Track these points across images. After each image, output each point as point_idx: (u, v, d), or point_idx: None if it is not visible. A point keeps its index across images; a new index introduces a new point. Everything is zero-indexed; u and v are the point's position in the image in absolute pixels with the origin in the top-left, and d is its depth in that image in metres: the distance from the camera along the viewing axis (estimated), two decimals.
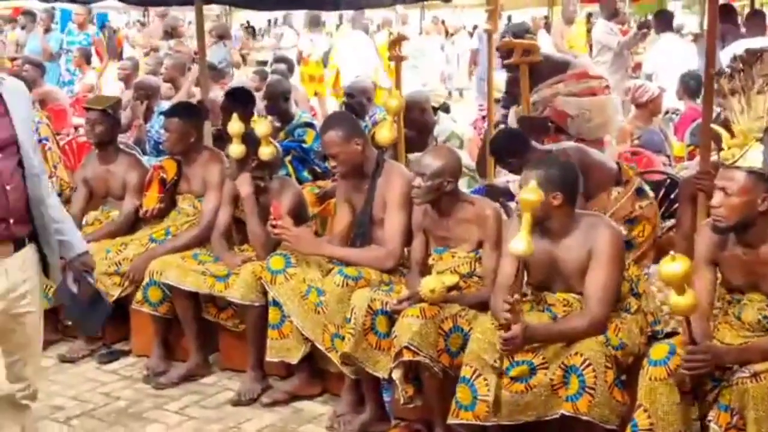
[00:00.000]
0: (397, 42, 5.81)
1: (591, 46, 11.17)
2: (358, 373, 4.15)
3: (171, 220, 5.22)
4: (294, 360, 4.42)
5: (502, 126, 6.36)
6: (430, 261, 4.18)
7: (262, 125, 4.78)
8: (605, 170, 4.64)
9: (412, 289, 3.99)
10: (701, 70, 5.46)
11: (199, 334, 4.82)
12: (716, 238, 3.39)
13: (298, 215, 4.71)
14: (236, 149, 4.72)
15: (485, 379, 3.55)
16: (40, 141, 5.52)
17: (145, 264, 4.83)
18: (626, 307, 3.77)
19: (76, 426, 4.33)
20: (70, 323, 5.05)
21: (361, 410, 4.22)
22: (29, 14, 13.08)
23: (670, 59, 8.85)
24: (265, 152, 4.70)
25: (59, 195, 4.55)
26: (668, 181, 5.30)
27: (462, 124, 6.78)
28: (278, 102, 6.29)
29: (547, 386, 3.52)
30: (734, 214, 3.24)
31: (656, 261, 4.53)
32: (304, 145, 6.06)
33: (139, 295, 4.83)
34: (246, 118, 4.94)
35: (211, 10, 16.84)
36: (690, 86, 7.24)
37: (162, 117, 5.52)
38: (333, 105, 10.34)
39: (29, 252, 3.17)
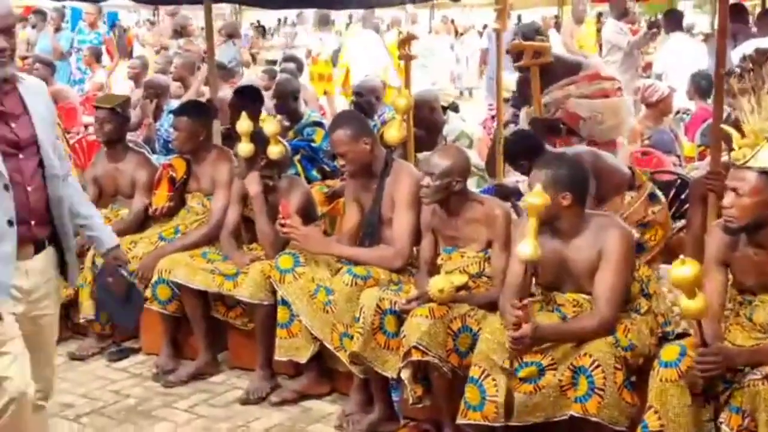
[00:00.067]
0: (406, 41, 5.79)
1: (601, 46, 11.13)
2: (366, 372, 4.14)
3: (180, 218, 5.23)
4: (303, 359, 4.42)
5: (511, 126, 6.35)
6: (439, 261, 4.17)
7: (270, 124, 4.78)
8: (619, 175, 4.64)
9: (420, 288, 3.98)
10: (712, 69, 5.43)
11: (208, 333, 4.83)
12: (727, 239, 3.37)
13: (307, 214, 4.71)
14: (245, 148, 4.72)
15: (494, 380, 3.54)
16: None
17: (155, 262, 4.83)
18: (636, 308, 3.75)
19: (86, 424, 4.33)
20: (82, 321, 5.08)
21: (369, 410, 4.21)
22: (40, 13, 13.12)
23: (680, 59, 8.83)
24: (274, 151, 4.70)
25: None
26: (679, 181, 5.29)
27: (471, 124, 6.77)
28: (287, 101, 6.29)
29: (556, 387, 3.50)
30: (746, 214, 3.22)
31: (667, 262, 4.53)
32: (313, 144, 6.07)
33: (148, 294, 4.83)
34: (254, 116, 4.94)
35: (222, 9, 16.87)
36: (701, 86, 7.21)
37: (171, 116, 5.53)
38: (342, 104, 10.33)
39: (49, 254, 3.17)
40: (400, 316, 3.96)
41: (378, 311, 4.00)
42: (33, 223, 3.06)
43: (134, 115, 7.09)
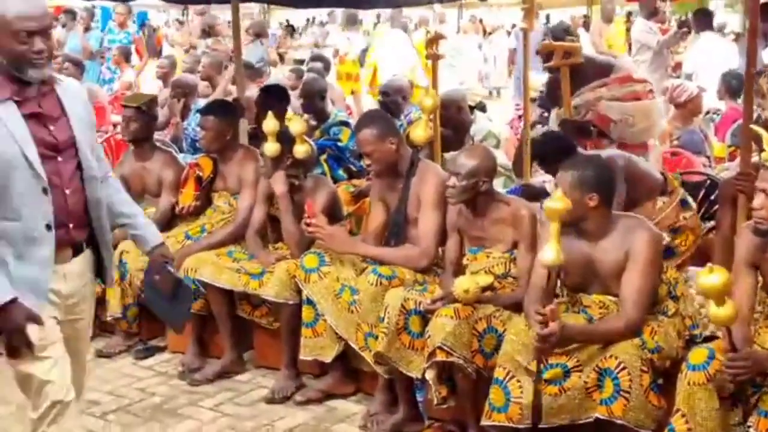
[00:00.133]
0: (434, 40, 5.78)
1: (630, 45, 11.05)
2: (391, 372, 4.13)
3: (207, 217, 5.25)
4: (327, 359, 4.42)
5: (538, 126, 6.32)
6: (465, 261, 4.15)
7: (297, 123, 4.78)
8: (652, 180, 4.62)
9: (446, 289, 3.97)
10: (742, 69, 5.37)
11: (233, 332, 4.84)
12: (757, 241, 3.32)
13: (332, 214, 4.71)
14: (271, 147, 4.73)
15: (518, 381, 3.53)
16: None
17: (181, 261, 4.83)
18: (664, 310, 3.72)
19: (112, 421, 4.36)
20: (109, 319, 5.11)
21: (394, 410, 4.20)
22: (69, 13, 13.22)
23: (710, 58, 8.74)
24: (300, 150, 4.70)
25: None
26: (708, 182, 5.24)
27: (499, 124, 6.74)
28: (314, 100, 6.29)
29: (581, 389, 3.48)
30: None
31: (696, 264, 4.49)
32: (339, 144, 6.06)
33: None
34: (280, 115, 4.95)
35: (251, 9, 16.93)
36: (731, 86, 7.13)
37: (198, 115, 5.55)
38: (369, 103, 10.33)
39: (86, 257, 3.16)
40: (425, 317, 3.94)
41: (403, 311, 3.99)
42: (71, 226, 3.04)
43: (162, 114, 7.13)
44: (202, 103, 6.83)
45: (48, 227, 2.95)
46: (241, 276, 4.69)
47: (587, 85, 5.67)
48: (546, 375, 3.49)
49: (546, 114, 6.72)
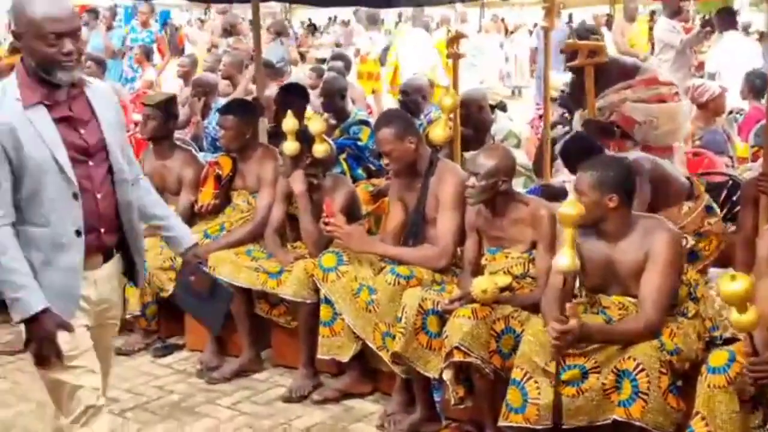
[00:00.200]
0: (455, 40, 5.76)
1: (653, 45, 10.98)
2: (408, 372, 4.13)
3: (226, 216, 5.26)
4: (345, 358, 4.42)
5: (559, 127, 6.28)
6: (483, 261, 4.13)
7: (316, 123, 4.77)
8: (678, 184, 4.60)
9: (464, 289, 3.95)
10: (767, 69, 5.33)
11: (251, 331, 4.85)
12: None
13: (351, 213, 4.70)
14: (290, 146, 4.72)
15: (536, 382, 3.51)
16: None
17: None
18: (684, 312, 3.70)
19: (130, 418, 4.37)
20: (128, 317, 5.13)
21: (411, 410, 4.19)
22: (92, 12, 13.31)
23: (733, 58, 8.66)
24: (319, 150, 4.70)
25: None
26: (730, 182, 5.19)
27: (519, 123, 6.71)
28: (334, 99, 6.29)
29: (599, 391, 3.46)
30: None
31: (717, 264, 4.45)
32: (359, 143, 6.05)
33: None
34: (299, 114, 4.94)
35: (273, 8, 16.98)
36: (755, 85, 7.07)
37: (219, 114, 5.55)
38: (389, 103, 10.32)
39: (116, 262, 3.12)
40: (443, 317, 3.93)
41: (420, 311, 3.97)
42: (102, 231, 2.99)
43: (183, 113, 7.15)
44: (222, 101, 6.85)
45: (77, 233, 2.90)
46: (259, 275, 4.70)
47: (612, 87, 5.61)
48: (564, 376, 3.47)
49: (566, 114, 6.68)
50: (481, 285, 3.79)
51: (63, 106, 2.91)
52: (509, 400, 3.57)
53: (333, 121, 6.20)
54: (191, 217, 5.34)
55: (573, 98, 6.41)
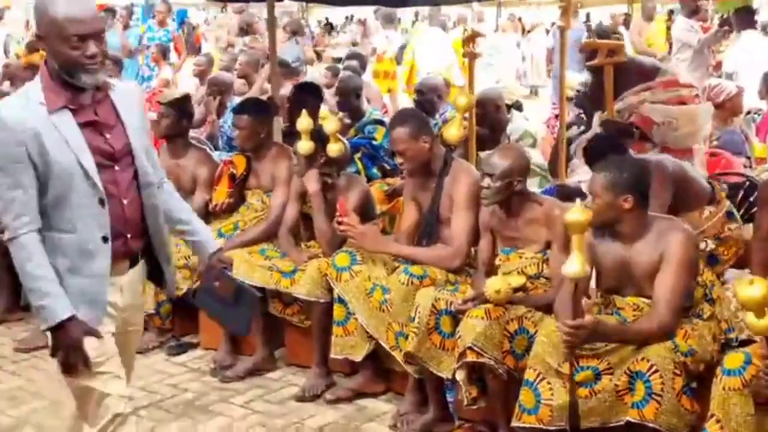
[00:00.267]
0: (471, 39, 5.73)
1: (671, 44, 10.91)
2: (421, 372, 4.12)
3: (240, 214, 5.27)
4: (358, 357, 4.41)
5: (574, 128, 6.24)
6: (497, 261, 4.12)
7: (331, 122, 4.77)
8: (700, 188, 4.57)
9: (477, 289, 3.94)
10: None
11: (265, 330, 4.85)
12: None
13: (365, 212, 4.70)
14: (305, 146, 4.72)
15: (549, 383, 3.50)
16: None
17: None
18: (699, 313, 3.67)
19: (144, 416, 4.38)
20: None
21: (424, 410, 4.18)
22: (109, 11, 13.35)
23: (752, 57, 8.59)
24: (334, 149, 4.69)
25: None
26: (747, 183, 5.15)
27: (535, 123, 6.69)
28: (350, 98, 6.28)
29: (612, 392, 3.44)
30: None
31: (733, 266, 4.42)
32: (373, 142, 6.05)
33: None
34: (313, 113, 4.94)
35: (290, 7, 16.98)
36: None
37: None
38: (405, 102, 10.31)
39: (141, 267, 3.09)
40: (456, 317, 3.92)
41: (434, 311, 3.97)
42: (129, 236, 2.96)
43: (198, 112, 7.16)
44: (238, 100, 6.86)
45: (104, 239, 2.87)
46: (273, 274, 4.70)
47: (631, 89, 5.57)
48: (577, 377, 3.45)
49: (582, 114, 6.64)
50: (494, 285, 3.78)
51: (88, 110, 2.87)
52: (522, 401, 3.56)
53: (348, 121, 6.19)
54: (206, 215, 5.34)
55: (592, 99, 6.36)
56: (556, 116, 6.69)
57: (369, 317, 4.29)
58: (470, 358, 3.72)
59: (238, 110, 5.25)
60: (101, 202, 2.86)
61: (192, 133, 5.95)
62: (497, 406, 3.85)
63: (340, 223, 4.37)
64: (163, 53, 11.11)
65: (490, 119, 5.79)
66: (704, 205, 4.52)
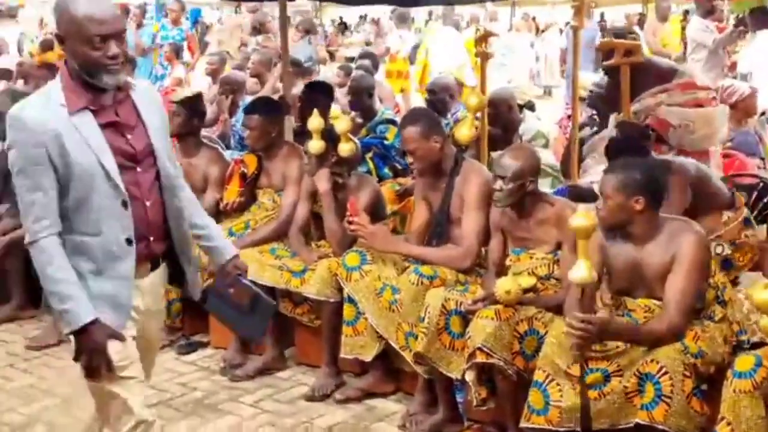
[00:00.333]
0: (483, 38, 5.71)
1: (686, 44, 10.86)
2: (431, 372, 4.11)
3: (251, 213, 5.27)
4: (368, 357, 4.41)
5: (587, 129, 6.21)
6: (508, 262, 4.11)
7: (342, 122, 4.77)
8: (720, 193, 4.56)
9: (487, 289, 3.93)
10: None
11: (275, 329, 4.84)
12: None
13: (375, 212, 4.69)
14: (316, 145, 4.72)
15: (558, 385, 3.49)
16: None
17: None
18: (710, 315, 3.65)
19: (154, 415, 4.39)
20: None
21: (434, 410, 4.17)
22: (122, 10, 13.39)
23: (767, 58, 8.53)
24: (345, 149, 4.69)
25: None
26: (761, 185, 5.12)
27: (547, 123, 6.66)
28: (362, 98, 6.27)
29: (621, 393, 3.42)
30: None
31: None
32: (385, 142, 6.03)
33: None
34: (324, 112, 4.94)
35: (304, 7, 17.01)
36: None
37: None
38: (418, 102, 10.29)
39: (162, 271, 3.05)
40: (466, 317, 3.91)
41: (443, 311, 3.96)
42: (152, 239, 2.92)
43: (211, 111, 7.18)
44: (250, 99, 6.86)
45: (128, 242, 2.83)
46: (283, 273, 4.70)
47: (648, 91, 5.54)
48: (586, 379, 3.44)
49: (595, 115, 6.61)
50: (504, 286, 3.77)
51: (109, 111, 2.83)
52: (531, 402, 3.55)
53: (360, 120, 6.18)
54: (216, 214, 5.35)
55: (608, 99, 6.33)
56: (569, 116, 6.66)
57: (379, 317, 4.28)
58: (480, 358, 3.71)
59: (249, 110, 5.25)
60: (124, 204, 2.82)
61: (204, 132, 5.95)
62: (506, 407, 3.84)
63: (350, 223, 4.37)
64: (177, 52, 11.14)
65: (502, 119, 5.78)
66: (723, 209, 4.50)
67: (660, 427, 3.32)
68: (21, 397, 4.63)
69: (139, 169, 2.87)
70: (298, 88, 7.02)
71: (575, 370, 3.44)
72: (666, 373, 3.32)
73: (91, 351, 2.77)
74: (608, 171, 3.63)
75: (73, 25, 2.74)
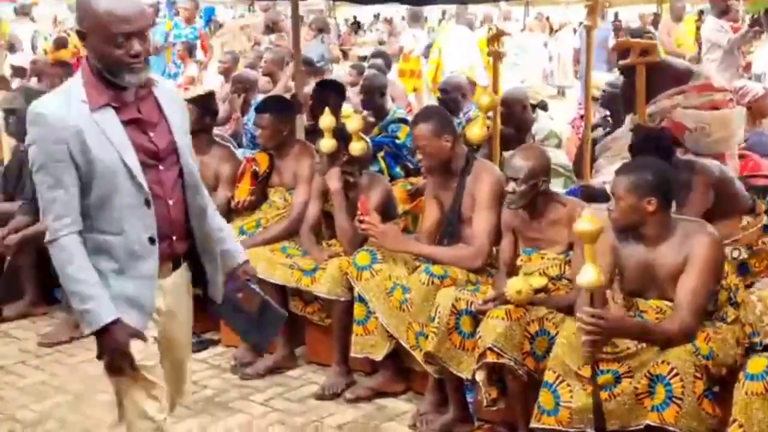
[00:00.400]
0: (495, 38, 5.69)
1: (700, 44, 10.80)
2: (441, 372, 4.10)
3: (262, 212, 5.27)
4: (378, 357, 4.40)
5: (599, 129, 6.18)
6: (519, 262, 4.10)
7: (353, 120, 4.76)
8: (742, 197, 4.54)
9: (498, 289, 3.92)
10: None
11: (285, 328, 4.82)
12: None
13: (386, 211, 4.69)
14: (327, 144, 4.72)
15: (568, 385, 3.48)
16: None
17: None
18: (723, 317, 3.63)
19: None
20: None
21: (444, 410, 4.17)
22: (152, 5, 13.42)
23: None
24: (356, 147, 4.69)
25: None
26: None
27: (560, 123, 6.64)
28: (374, 97, 6.26)
29: (632, 395, 3.40)
30: None
31: None
32: (397, 141, 6.03)
33: None
34: (336, 110, 4.93)
35: (317, 6, 17.01)
36: None
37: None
38: (430, 101, 10.28)
39: (184, 272, 2.99)
40: (476, 317, 3.90)
41: (453, 311, 3.95)
42: (174, 238, 2.86)
43: (223, 109, 7.18)
44: (262, 98, 6.86)
45: (151, 241, 2.78)
46: (293, 272, 4.70)
47: (664, 92, 5.51)
48: (597, 381, 3.42)
49: (608, 116, 6.58)
50: (515, 286, 3.76)
51: (131, 108, 2.78)
52: (541, 403, 3.54)
53: (372, 119, 6.18)
54: (228, 213, 5.36)
55: (624, 99, 6.29)
56: (582, 116, 6.63)
57: (389, 316, 4.27)
58: (490, 358, 3.70)
59: (260, 109, 5.25)
60: (147, 202, 2.76)
61: (216, 130, 5.95)
62: (517, 408, 3.83)
63: (361, 222, 4.36)
64: (190, 50, 11.14)
65: (515, 119, 5.77)
66: (743, 214, 4.48)
67: (671, 428, 3.30)
68: (33, 394, 4.65)
69: (161, 167, 2.82)
70: (310, 87, 7.02)
71: (586, 371, 3.43)
72: (677, 374, 3.30)
73: (113, 350, 2.74)
74: (620, 172, 3.61)
75: (94, 22, 2.68)
